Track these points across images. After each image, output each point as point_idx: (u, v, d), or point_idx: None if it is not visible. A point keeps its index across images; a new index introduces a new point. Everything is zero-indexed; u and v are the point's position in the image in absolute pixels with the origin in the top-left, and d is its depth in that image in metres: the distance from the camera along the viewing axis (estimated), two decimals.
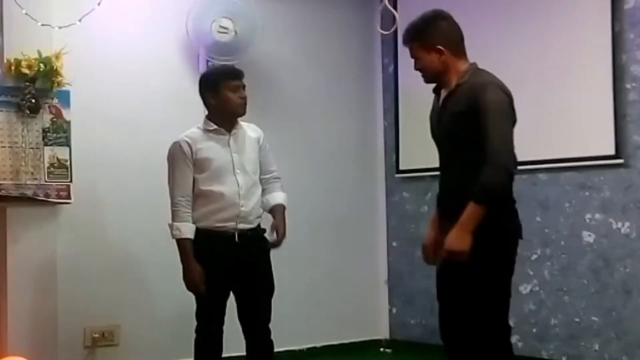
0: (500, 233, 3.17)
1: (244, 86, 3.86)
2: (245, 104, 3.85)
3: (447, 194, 3.36)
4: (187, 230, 3.74)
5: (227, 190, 3.78)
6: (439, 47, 3.24)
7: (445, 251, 3.12)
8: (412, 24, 3.34)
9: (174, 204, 3.78)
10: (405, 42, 3.36)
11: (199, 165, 3.78)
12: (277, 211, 3.95)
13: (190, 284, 3.74)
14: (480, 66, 3.35)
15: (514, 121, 3.23)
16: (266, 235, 3.91)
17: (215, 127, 3.84)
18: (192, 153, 3.78)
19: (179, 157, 3.79)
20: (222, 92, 3.81)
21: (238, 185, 3.80)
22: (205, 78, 3.93)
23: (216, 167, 3.79)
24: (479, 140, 3.10)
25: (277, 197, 3.98)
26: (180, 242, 3.75)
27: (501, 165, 3.06)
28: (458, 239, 3.07)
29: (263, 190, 3.96)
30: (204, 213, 3.78)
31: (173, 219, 3.77)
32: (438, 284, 3.39)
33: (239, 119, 3.91)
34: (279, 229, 3.90)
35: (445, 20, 3.31)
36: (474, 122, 3.11)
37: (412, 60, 3.39)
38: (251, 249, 3.84)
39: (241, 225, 3.80)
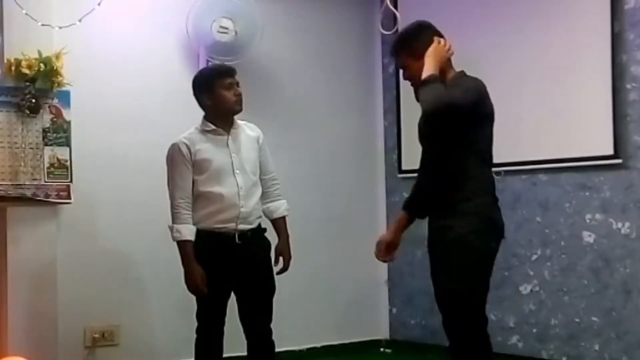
0: (481, 224, 3.27)
1: (237, 83, 3.86)
2: (241, 100, 3.85)
3: (415, 193, 3.52)
4: (188, 232, 3.74)
5: (226, 191, 3.77)
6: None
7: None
8: (398, 35, 3.56)
9: (173, 206, 3.77)
10: (392, 54, 3.55)
11: (198, 166, 3.77)
12: (280, 229, 4.00)
13: (192, 286, 3.72)
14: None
15: (485, 121, 3.35)
16: (271, 251, 3.95)
17: (214, 127, 3.83)
18: (190, 154, 3.77)
19: (178, 159, 3.78)
20: (217, 91, 3.80)
21: (237, 186, 3.79)
22: (199, 80, 3.91)
23: (215, 168, 3.78)
24: (445, 141, 3.26)
25: (279, 207, 4.01)
26: (181, 244, 3.74)
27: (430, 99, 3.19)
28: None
29: (263, 194, 3.96)
30: (204, 214, 3.78)
31: (173, 221, 3.76)
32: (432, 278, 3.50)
33: (237, 119, 3.91)
34: (284, 254, 3.96)
35: (429, 29, 3.45)
36: (441, 123, 3.24)
37: None
38: (252, 249, 3.84)
39: (241, 226, 3.79)
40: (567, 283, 4.90)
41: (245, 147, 3.88)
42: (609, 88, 4.65)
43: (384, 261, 3.73)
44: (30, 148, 4.50)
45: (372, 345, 5.84)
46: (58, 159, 4.57)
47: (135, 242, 4.93)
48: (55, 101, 4.58)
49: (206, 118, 3.87)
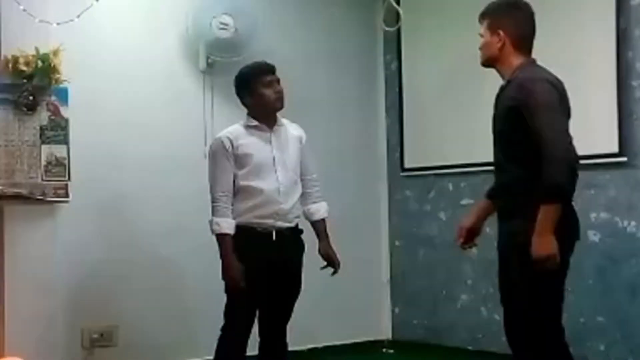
0: (556, 234, 3.08)
1: (278, 80, 3.87)
2: (281, 97, 3.87)
3: (497, 191, 3.37)
4: (227, 226, 3.75)
5: (266, 187, 3.79)
6: (501, 32, 3.23)
7: (535, 261, 3.06)
8: (495, 2, 3.34)
9: (214, 200, 3.79)
10: (480, 17, 3.34)
11: (240, 160, 3.80)
12: (320, 231, 4.05)
13: (230, 281, 3.73)
14: None
15: (568, 115, 3.21)
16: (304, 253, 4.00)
17: (257, 123, 3.87)
18: (233, 148, 3.80)
19: (220, 153, 3.81)
20: (257, 89, 3.83)
21: (278, 182, 3.81)
22: (239, 78, 3.95)
23: (256, 162, 3.80)
24: (526, 137, 3.08)
25: (320, 209, 4.06)
26: (220, 238, 3.76)
27: (560, 159, 3.01)
28: (541, 244, 3.03)
29: (304, 194, 3.98)
30: (243, 209, 3.79)
31: (213, 214, 3.79)
32: (499, 289, 3.41)
33: (280, 117, 3.93)
34: (333, 259, 4.04)
35: (523, 12, 3.28)
36: (521, 119, 3.09)
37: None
38: (287, 249, 3.87)
39: (279, 223, 3.82)
40: (573, 283, 4.78)
41: (287, 145, 3.91)
42: (614, 85, 4.62)
43: (463, 247, 3.53)
44: (28, 146, 4.49)
45: (375, 345, 5.84)
46: (56, 157, 4.55)
47: (134, 241, 4.92)
48: (53, 98, 4.56)
49: (250, 114, 3.90)
